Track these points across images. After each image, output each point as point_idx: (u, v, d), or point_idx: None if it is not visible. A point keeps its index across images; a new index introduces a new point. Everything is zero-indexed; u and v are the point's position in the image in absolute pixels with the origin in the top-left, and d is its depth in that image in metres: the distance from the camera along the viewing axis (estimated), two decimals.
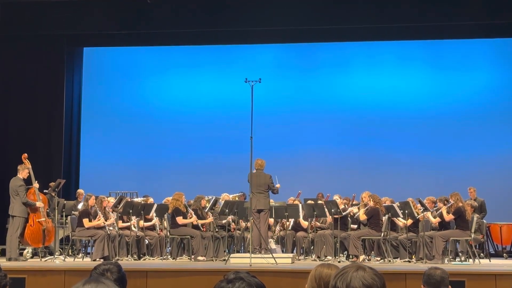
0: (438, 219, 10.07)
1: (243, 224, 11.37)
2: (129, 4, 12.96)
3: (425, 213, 10.22)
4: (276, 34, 13.53)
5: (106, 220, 10.42)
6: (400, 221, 10.48)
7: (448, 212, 9.91)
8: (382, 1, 12.58)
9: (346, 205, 11.08)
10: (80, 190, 12.31)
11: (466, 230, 9.79)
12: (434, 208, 10.48)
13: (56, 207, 10.55)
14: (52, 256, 10.27)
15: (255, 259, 9.07)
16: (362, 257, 10.14)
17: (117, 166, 14.14)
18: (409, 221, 10.33)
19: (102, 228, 10.24)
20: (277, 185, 10.24)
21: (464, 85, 13.79)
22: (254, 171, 10.07)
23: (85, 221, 10.16)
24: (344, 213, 10.56)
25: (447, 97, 13.80)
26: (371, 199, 10.29)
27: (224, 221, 10.94)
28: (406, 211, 10.10)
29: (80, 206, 11.13)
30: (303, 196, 11.89)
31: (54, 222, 10.49)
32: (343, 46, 14.22)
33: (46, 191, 11.09)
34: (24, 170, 10.16)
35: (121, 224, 10.79)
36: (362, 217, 10.27)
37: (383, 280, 2.08)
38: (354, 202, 11.40)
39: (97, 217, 10.27)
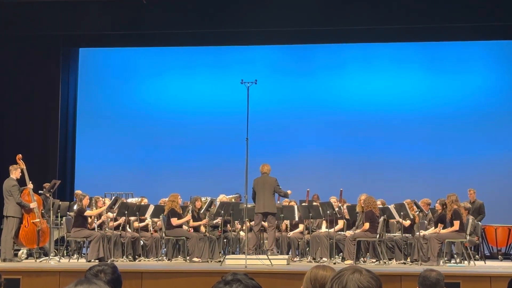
0: (440, 227, 9.97)
1: (238, 225, 11.36)
2: (125, 4, 12.93)
3: (428, 231, 10.16)
4: (272, 35, 13.52)
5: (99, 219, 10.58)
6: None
7: (443, 219, 9.91)
8: (378, 3, 12.58)
9: (340, 207, 11.04)
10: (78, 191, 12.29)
11: (461, 232, 9.79)
12: (427, 213, 10.46)
13: (51, 208, 10.52)
14: (47, 257, 10.24)
15: (250, 261, 9.07)
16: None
17: (113, 167, 14.10)
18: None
19: (99, 226, 10.30)
20: (288, 191, 10.49)
21: (460, 87, 13.81)
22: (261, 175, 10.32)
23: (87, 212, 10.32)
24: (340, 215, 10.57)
25: (443, 99, 13.81)
26: (366, 203, 10.21)
27: (215, 222, 10.93)
28: (402, 213, 10.10)
29: (75, 207, 11.10)
30: (298, 198, 11.84)
31: (49, 223, 10.47)
32: (339, 48, 14.23)
33: (41, 191, 11.06)
34: (17, 170, 10.12)
35: (112, 223, 10.78)
36: (367, 226, 10.14)
37: (380, 283, 2.07)
38: (345, 204, 11.29)
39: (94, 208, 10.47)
